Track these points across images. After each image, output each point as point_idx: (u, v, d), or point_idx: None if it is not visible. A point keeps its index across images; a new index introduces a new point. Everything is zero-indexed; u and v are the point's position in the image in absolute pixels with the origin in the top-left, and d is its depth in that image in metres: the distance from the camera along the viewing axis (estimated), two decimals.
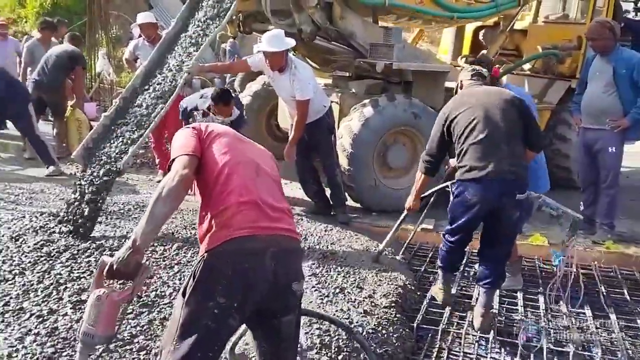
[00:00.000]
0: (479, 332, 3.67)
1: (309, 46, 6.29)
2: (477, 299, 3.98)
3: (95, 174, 4.42)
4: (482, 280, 3.77)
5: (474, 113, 3.59)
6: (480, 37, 8.20)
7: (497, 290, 4.05)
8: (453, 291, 4.21)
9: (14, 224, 4.31)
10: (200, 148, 2.12)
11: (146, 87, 5.03)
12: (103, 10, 11.98)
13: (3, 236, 4.01)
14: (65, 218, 4.29)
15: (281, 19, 5.66)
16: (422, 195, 4.16)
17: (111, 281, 1.94)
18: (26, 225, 4.29)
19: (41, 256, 3.73)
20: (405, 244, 4.88)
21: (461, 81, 4.01)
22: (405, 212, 4.25)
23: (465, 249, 4.08)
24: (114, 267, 1.88)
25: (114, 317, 1.92)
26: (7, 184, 5.90)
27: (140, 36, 7.07)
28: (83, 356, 1.96)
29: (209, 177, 2.10)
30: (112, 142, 4.61)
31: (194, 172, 2.07)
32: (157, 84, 4.96)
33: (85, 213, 4.20)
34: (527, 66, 7.58)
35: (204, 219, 2.07)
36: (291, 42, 4.87)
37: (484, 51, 7.51)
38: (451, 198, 3.79)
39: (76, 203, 4.31)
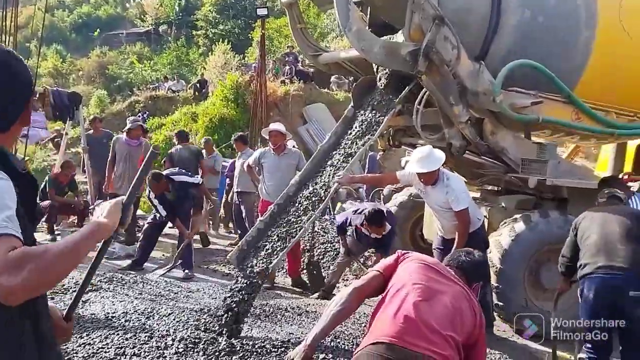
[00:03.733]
0: None
1: (458, 159, 6.31)
2: None
3: (246, 275, 4.64)
4: None
5: (595, 220, 3.97)
6: None
7: None
8: None
9: (171, 318, 4.62)
10: (392, 268, 2.43)
11: (299, 195, 5.32)
12: (264, 125, 13.12)
13: (158, 329, 4.30)
14: (218, 317, 4.50)
15: (431, 133, 5.79)
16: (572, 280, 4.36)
17: None
18: (182, 319, 4.58)
19: (190, 352, 3.91)
20: None
21: (597, 203, 4.34)
22: (557, 293, 4.55)
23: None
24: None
25: None
26: (169, 280, 6.39)
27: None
28: None
29: (386, 289, 2.36)
30: (264, 245, 4.86)
31: (372, 287, 2.40)
32: (309, 193, 5.23)
33: (236, 314, 4.38)
34: None
35: (369, 324, 2.31)
36: (440, 158, 4.94)
37: None
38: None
39: (229, 303, 4.52)
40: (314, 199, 5.12)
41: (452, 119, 5.44)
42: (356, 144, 5.49)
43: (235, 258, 4.97)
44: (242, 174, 8.13)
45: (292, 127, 17.15)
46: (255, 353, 3.93)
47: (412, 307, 2.17)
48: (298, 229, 4.90)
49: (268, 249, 4.83)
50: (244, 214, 8.29)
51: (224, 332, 4.29)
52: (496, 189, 6.74)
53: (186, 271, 6.88)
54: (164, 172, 7.21)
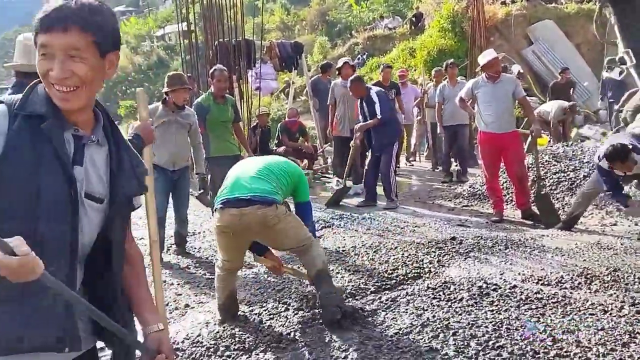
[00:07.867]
0: None
1: None
2: None
3: None
4: None
5: None
6: None
7: None
8: None
9: (398, 251, 4.78)
10: None
11: None
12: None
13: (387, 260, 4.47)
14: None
15: None
16: None
17: None
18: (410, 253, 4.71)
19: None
20: None
21: None
22: None
23: None
24: None
25: None
26: (395, 216, 6.59)
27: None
28: None
29: None
30: None
31: None
32: None
33: None
34: None
35: None
36: None
37: None
38: None
39: None
40: None
41: None
42: None
43: None
44: (455, 107, 7.92)
45: (516, 50, 16.03)
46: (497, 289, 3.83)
47: None
48: None
49: None
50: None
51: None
52: None
53: (389, 200, 7.21)
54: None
